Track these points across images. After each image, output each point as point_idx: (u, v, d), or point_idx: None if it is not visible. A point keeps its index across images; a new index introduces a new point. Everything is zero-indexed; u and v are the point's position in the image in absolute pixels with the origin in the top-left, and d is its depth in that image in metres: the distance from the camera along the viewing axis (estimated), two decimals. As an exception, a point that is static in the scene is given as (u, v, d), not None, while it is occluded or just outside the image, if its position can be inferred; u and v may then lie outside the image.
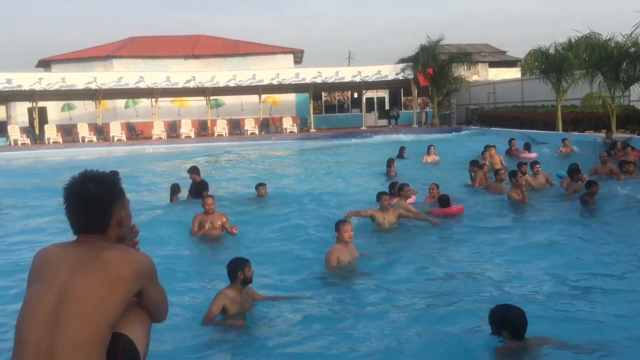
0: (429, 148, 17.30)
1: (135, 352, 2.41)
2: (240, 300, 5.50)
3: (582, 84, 23.35)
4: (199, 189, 10.95)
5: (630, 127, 22.29)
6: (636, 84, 21.59)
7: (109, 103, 36.70)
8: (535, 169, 12.11)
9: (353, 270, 6.87)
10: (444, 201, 9.91)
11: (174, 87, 35.05)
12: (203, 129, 35.64)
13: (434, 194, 10.57)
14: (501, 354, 4.20)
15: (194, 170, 11.57)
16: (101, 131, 33.87)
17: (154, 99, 34.87)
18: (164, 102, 36.40)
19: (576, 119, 24.50)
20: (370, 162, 19.05)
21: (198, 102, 36.92)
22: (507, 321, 4.20)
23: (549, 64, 24.69)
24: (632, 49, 20.93)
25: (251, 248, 8.14)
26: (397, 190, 10.14)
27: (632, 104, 24.47)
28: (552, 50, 25.31)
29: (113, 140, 33.10)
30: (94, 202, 2.44)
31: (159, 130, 34.23)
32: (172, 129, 35.22)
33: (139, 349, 2.42)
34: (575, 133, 22.73)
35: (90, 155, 27.73)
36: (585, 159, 15.02)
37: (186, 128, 34.72)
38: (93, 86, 33.74)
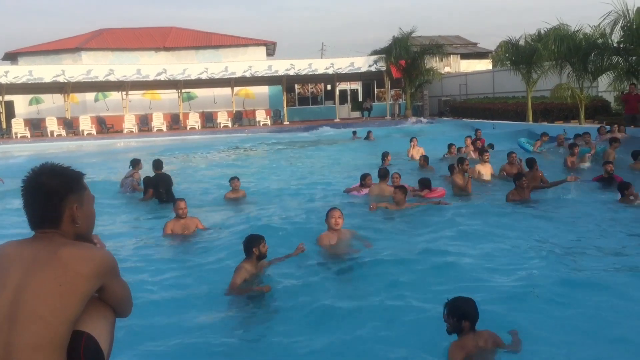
0: (411, 140, 17.35)
1: (99, 350, 2.35)
2: (258, 273, 5.99)
3: (552, 75, 23.68)
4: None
5: (598, 118, 22.71)
6: (604, 74, 21.95)
7: (78, 96, 36.09)
8: (485, 157, 12.25)
9: (343, 253, 6.87)
10: (426, 183, 10.34)
11: (144, 79, 34.60)
12: (175, 122, 35.29)
13: (397, 182, 10.74)
14: (458, 347, 4.29)
15: (154, 164, 11.75)
16: (70, 125, 33.29)
17: (124, 92, 34.39)
18: (135, 95, 35.92)
19: (546, 109, 24.88)
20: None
21: (170, 95, 36.53)
22: (468, 312, 4.34)
23: (519, 56, 24.96)
24: (600, 40, 21.25)
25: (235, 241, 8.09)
26: (362, 179, 10.75)
27: (600, 94, 24.93)
28: (522, 42, 25.63)
29: (83, 134, 32.58)
30: (46, 194, 2.37)
31: (130, 123, 33.78)
32: (144, 123, 34.78)
33: (102, 346, 2.37)
34: (545, 124, 23.09)
35: (59, 149, 27.23)
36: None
37: (158, 121, 34.34)
38: (61, 79, 33.14)
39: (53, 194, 2.37)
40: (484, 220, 8.65)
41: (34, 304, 2.23)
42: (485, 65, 42.83)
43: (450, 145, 15.70)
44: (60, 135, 32.26)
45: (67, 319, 2.25)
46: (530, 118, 24.51)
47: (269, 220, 9.29)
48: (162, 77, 34.83)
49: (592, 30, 21.81)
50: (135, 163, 12.76)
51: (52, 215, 2.39)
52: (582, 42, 21.87)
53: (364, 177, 10.74)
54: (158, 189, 11.04)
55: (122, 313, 2.56)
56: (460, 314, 4.33)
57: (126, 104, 34.52)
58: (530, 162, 11.43)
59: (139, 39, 40.17)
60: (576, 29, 22.70)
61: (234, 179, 11.84)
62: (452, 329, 4.39)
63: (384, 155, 15.04)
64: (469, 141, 16.21)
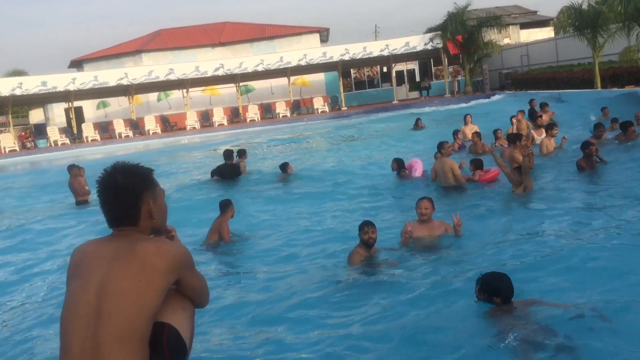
0: (465, 117, 16.96)
1: (181, 340, 2.43)
2: (371, 257, 6.19)
3: (619, 38, 22.61)
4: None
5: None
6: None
7: (141, 97, 37.18)
8: (554, 132, 11.62)
9: (428, 246, 6.68)
10: (478, 164, 10.05)
11: (203, 76, 35.25)
12: (235, 116, 35.83)
13: (450, 152, 10.56)
14: (493, 316, 4.25)
15: (224, 154, 12.34)
16: (136, 126, 34.37)
17: (184, 90, 35.18)
18: (195, 92, 36.68)
19: (615, 74, 23.73)
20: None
21: (228, 89, 37.10)
22: (499, 288, 4.27)
23: (583, 20, 23.99)
24: (671, -3, 20.11)
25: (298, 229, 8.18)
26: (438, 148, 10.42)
27: (673, 54, 23.57)
28: (585, 6, 24.62)
29: (149, 133, 33.57)
30: (122, 192, 2.45)
31: (192, 120, 34.57)
32: (205, 118, 35.51)
33: (183, 336, 2.44)
34: (615, 89, 22.06)
35: (127, 150, 28.19)
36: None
37: (218, 116, 34.99)
38: (125, 82, 34.22)
39: (130, 193, 2.45)
40: (557, 197, 8.34)
41: (116, 299, 2.32)
42: (546, 33, 41.18)
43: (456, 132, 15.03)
44: (127, 136, 33.36)
45: (147, 312, 2.33)
46: (599, 84, 23.47)
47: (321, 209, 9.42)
48: (220, 72, 35.37)
49: (661, -13, 20.66)
50: (242, 153, 13.34)
51: (130, 213, 2.47)
52: (650, 1, 20.77)
53: (441, 146, 10.24)
54: (225, 178, 11.51)
55: (200, 304, 2.63)
56: (491, 290, 4.26)
57: (187, 102, 35.30)
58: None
59: (195, 37, 40.94)
60: (644, -13, 21.58)
61: (286, 165, 12.26)
62: (485, 301, 4.34)
63: (455, 133, 14.90)
64: (521, 116, 15.33)
